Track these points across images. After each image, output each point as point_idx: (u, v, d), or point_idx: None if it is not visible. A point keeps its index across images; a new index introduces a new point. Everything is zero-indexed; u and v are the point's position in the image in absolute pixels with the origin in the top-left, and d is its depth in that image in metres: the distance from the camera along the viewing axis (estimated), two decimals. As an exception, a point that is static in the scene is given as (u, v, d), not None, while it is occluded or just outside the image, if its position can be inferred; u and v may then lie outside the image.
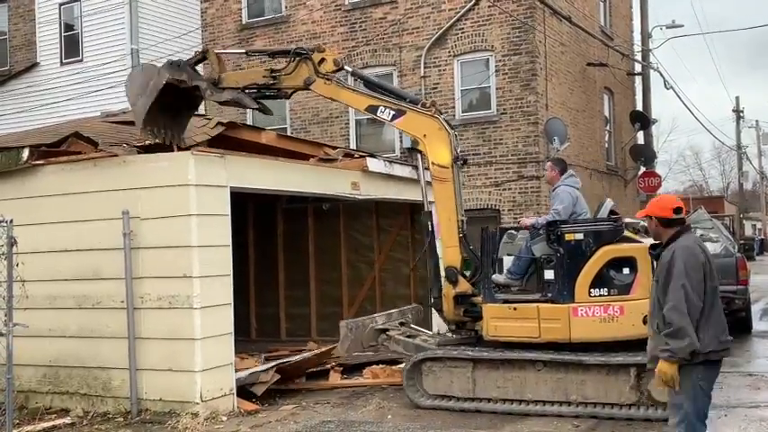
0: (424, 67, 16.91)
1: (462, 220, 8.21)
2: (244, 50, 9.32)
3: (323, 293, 13.61)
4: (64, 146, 9.18)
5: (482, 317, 7.98)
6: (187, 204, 7.95)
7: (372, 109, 8.44)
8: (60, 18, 18.83)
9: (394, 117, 8.32)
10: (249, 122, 16.87)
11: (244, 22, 18.96)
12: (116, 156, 8.43)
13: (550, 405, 7.59)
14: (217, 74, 8.72)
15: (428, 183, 8.66)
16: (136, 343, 7.98)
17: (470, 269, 8.27)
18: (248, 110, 18.30)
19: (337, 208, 13.32)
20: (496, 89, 16.33)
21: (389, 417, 7.84)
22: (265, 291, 13.88)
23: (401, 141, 16.73)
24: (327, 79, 8.48)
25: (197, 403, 7.74)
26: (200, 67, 9.08)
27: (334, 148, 12.02)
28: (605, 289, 7.47)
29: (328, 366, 10.15)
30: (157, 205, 8.04)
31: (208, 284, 7.98)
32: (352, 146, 16.65)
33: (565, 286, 7.56)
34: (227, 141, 10.66)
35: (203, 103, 18.13)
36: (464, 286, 8.14)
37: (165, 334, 7.95)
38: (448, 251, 8.20)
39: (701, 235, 11.52)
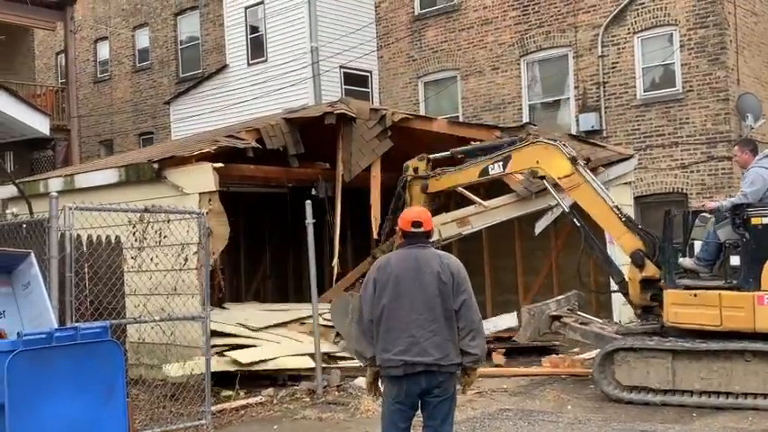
0: (602, 47, 16.26)
1: (616, 206, 8.22)
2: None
3: (497, 281, 13.52)
4: None
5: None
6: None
7: (484, 172, 8.85)
8: (246, 21, 19.96)
9: (504, 165, 8.68)
10: (422, 112, 17.12)
11: (416, 14, 19.15)
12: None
13: (752, 398, 7.18)
14: None
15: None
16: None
17: (648, 249, 8.01)
18: (420, 101, 18.71)
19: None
20: (681, 65, 15.39)
21: (569, 407, 7.67)
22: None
23: (577, 124, 16.24)
24: (434, 176, 9.13)
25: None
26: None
27: (504, 129, 11.95)
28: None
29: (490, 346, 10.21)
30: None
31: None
32: (527, 131, 16.34)
33: (750, 273, 7.18)
34: (401, 132, 10.94)
35: (378, 93, 18.74)
36: (651, 270, 7.95)
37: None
38: (622, 239, 8.15)
39: None
